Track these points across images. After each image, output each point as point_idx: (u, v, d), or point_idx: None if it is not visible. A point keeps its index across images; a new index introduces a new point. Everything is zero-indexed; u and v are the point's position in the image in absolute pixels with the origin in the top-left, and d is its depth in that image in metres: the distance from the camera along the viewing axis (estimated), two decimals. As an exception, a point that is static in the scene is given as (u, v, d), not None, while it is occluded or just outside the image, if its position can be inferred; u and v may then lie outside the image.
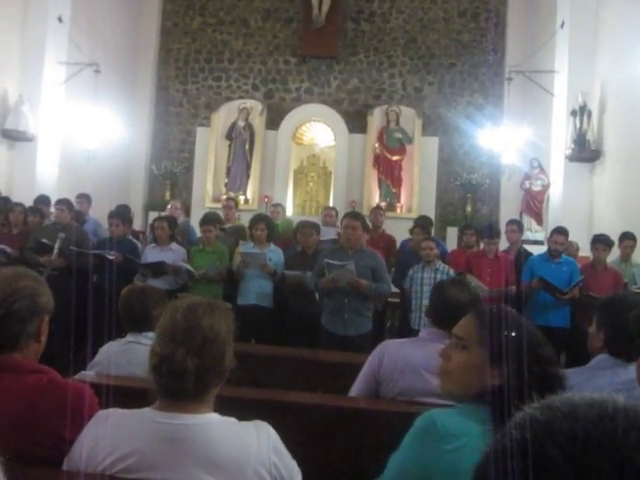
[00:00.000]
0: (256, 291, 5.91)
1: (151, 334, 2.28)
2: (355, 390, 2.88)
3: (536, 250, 7.07)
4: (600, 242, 6.08)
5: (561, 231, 6.19)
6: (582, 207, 8.51)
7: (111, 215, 6.71)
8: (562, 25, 8.98)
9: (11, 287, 1.72)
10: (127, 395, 1.89)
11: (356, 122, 11.72)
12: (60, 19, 9.42)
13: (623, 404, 0.65)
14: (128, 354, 2.85)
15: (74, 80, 9.65)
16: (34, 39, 9.22)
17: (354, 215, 5.35)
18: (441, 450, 1.48)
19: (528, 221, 9.41)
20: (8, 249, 6.16)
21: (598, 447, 0.61)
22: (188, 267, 6.08)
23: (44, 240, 6.22)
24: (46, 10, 9.26)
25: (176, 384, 1.54)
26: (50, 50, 9.35)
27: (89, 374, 2.73)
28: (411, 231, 7.02)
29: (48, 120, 9.31)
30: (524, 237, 7.96)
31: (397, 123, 11.44)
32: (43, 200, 7.52)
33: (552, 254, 6.07)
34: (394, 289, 6.08)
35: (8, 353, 1.71)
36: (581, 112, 8.38)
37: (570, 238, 6.50)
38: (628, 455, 0.60)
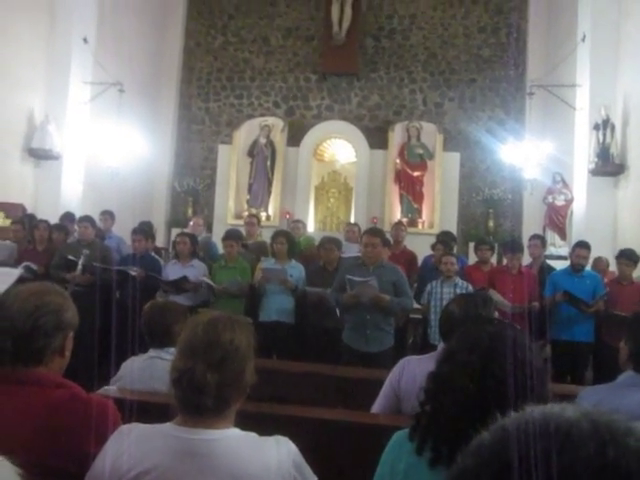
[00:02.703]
0: (277, 307, 5.93)
1: (173, 349, 2.30)
2: (376, 407, 2.86)
3: (560, 265, 6.99)
4: (625, 257, 6.01)
5: (584, 245, 6.13)
6: (606, 221, 8.41)
7: (134, 231, 6.79)
8: (583, 39, 8.93)
9: (37, 302, 1.75)
10: (149, 410, 1.91)
11: (377, 138, 11.74)
12: (85, 40, 9.62)
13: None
14: (150, 369, 2.87)
15: (99, 99, 9.83)
16: (60, 59, 9.42)
17: (373, 231, 5.34)
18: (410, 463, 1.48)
19: (551, 236, 9.32)
20: (34, 266, 6.24)
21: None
22: (209, 282, 6.12)
23: (69, 256, 6.30)
24: (71, 31, 9.47)
25: (196, 399, 1.55)
26: (75, 70, 9.55)
27: (112, 389, 2.76)
28: (433, 247, 6.99)
29: (73, 138, 9.48)
30: (547, 252, 7.89)
31: (418, 139, 11.44)
32: (68, 217, 7.64)
33: (575, 268, 6.01)
34: (416, 305, 6.05)
35: (33, 367, 1.73)
36: (604, 126, 8.31)
37: (594, 253, 6.42)
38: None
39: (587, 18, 8.95)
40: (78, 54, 9.58)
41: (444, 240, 7.07)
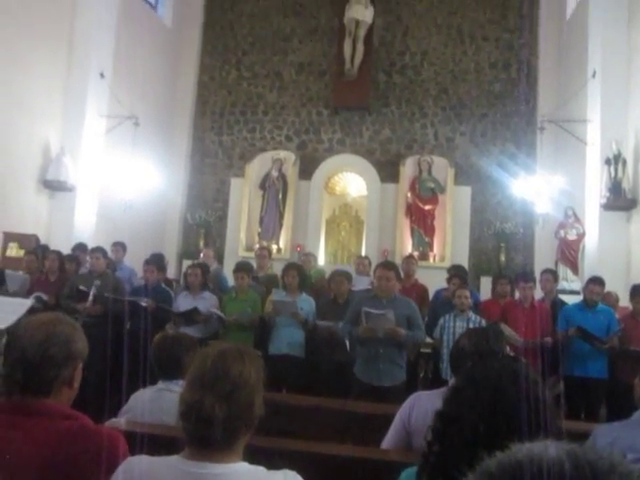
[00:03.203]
0: (288, 340, 5.90)
1: (182, 382, 2.29)
2: (387, 442, 2.83)
3: (572, 300, 6.92)
4: (640, 292, 5.95)
5: (597, 281, 6.07)
6: (619, 256, 8.35)
7: (146, 262, 6.82)
8: (594, 75, 9.00)
9: (47, 332, 1.76)
10: (157, 442, 1.89)
11: (388, 172, 11.81)
12: (102, 74, 9.82)
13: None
14: (159, 401, 2.85)
15: (114, 132, 9.98)
16: (77, 93, 9.61)
17: (387, 265, 5.33)
18: None
19: (564, 270, 9.24)
20: (44, 296, 6.27)
21: None
22: (219, 314, 6.12)
23: (81, 287, 6.33)
24: (89, 66, 9.68)
25: (204, 432, 1.53)
26: (92, 104, 9.73)
27: (120, 421, 2.74)
28: (448, 280, 6.95)
29: (88, 170, 9.61)
30: (560, 287, 7.82)
31: (429, 173, 11.50)
32: (80, 248, 7.70)
33: (588, 303, 5.95)
34: (427, 339, 6.00)
35: (41, 398, 1.72)
36: (615, 160, 8.31)
37: (607, 288, 6.35)
38: None
39: (597, 54, 9.03)
40: (94, 88, 9.78)
41: (460, 274, 7.03)
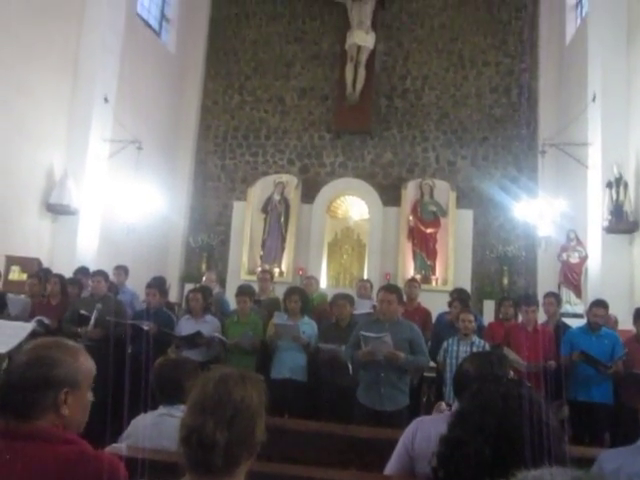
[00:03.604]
0: (290, 364, 5.87)
1: (183, 406, 2.27)
2: (389, 468, 2.79)
3: (576, 323, 6.89)
4: (644, 315, 5.92)
5: (601, 304, 6.04)
6: (622, 279, 8.33)
7: (149, 285, 6.81)
8: (594, 99, 9.06)
9: (31, 356, 1.74)
10: (158, 468, 1.87)
11: (390, 195, 11.84)
12: (106, 99, 9.91)
13: None
14: (160, 426, 2.83)
15: (117, 156, 10.04)
16: (81, 118, 9.69)
17: (390, 288, 5.32)
18: None
19: (567, 294, 9.22)
20: (46, 320, 6.25)
21: None
22: (221, 337, 6.09)
23: (82, 311, 6.32)
24: (93, 91, 9.77)
25: (205, 457, 1.51)
26: (95, 128, 9.80)
27: (120, 446, 2.71)
28: (450, 304, 6.93)
29: (91, 194, 9.65)
30: (563, 310, 7.79)
31: (431, 196, 11.51)
32: (82, 271, 7.69)
33: (592, 327, 5.91)
34: (430, 363, 5.96)
35: (27, 421, 1.70)
36: (617, 183, 8.34)
37: (610, 311, 6.32)
38: None
39: (597, 78, 9.10)
40: (98, 112, 9.86)
41: (461, 297, 7.01)
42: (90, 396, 1.83)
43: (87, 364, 1.83)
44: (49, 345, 1.80)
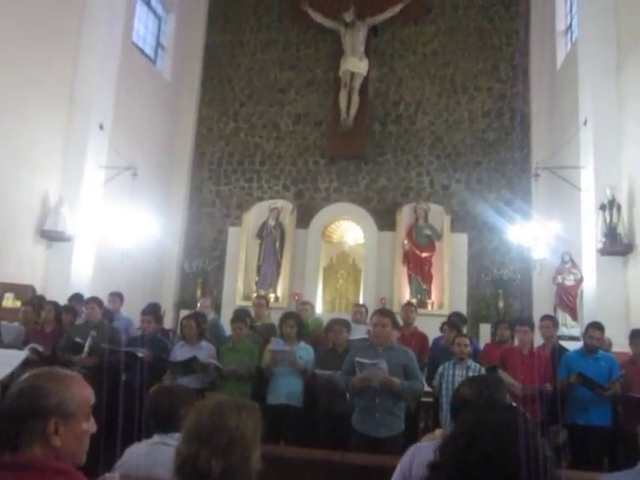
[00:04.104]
0: (286, 390, 5.83)
1: (178, 435, 2.24)
2: (387, 495, 2.76)
3: (573, 346, 6.87)
4: (639, 337, 5.91)
5: (597, 326, 6.04)
6: (617, 301, 8.34)
7: (144, 312, 6.79)
8: (585, 122, 9.15)
9: (23, 385, 1.72)
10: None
11: (385, 220, 11.87)
12: (101, 126, 9.97)
13: None
14: (154, 455, 2.79)
15: (112, 182, 10.06)
16: (76, 144, 9.73)
17: (383, 312, 5.31)
18: None
19: (563, 316, 9.21)
20: (39, 347, 6.20)
21: None
22: (217, 364, 6.05)
23: (77, 339, 6.28)
24: (89, 118, 9.83)
25: (200, 487, 1.50)
26: (91, 155, 9.84)
27: (114, 476, 2.67)
28: (441, 328, 6.93)
29: (85, 220, 9.64)
30: (560, 333, 7.77)
31: (426, 220, 11.55)
32: (77, 298, 7.66)
33: (589, 349, 5.90)
34: (427, 388, 5.93)
35: (22, 452, 1.68)
36: (610, 206, 8.38)
37: (606, 333, 6.31)
38: None
39: (588, 102, 9.19)
40: (94, 139, 9.90)
41: (451, 322, 7.03)
42: (91, 426, 1.78)
43: (82, 393, 1.78)
44: (43, 375, 1.77)
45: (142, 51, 12.22)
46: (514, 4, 12.72)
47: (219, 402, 1.64)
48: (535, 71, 12.23)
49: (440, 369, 5.79)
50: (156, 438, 2.90)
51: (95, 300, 6.83)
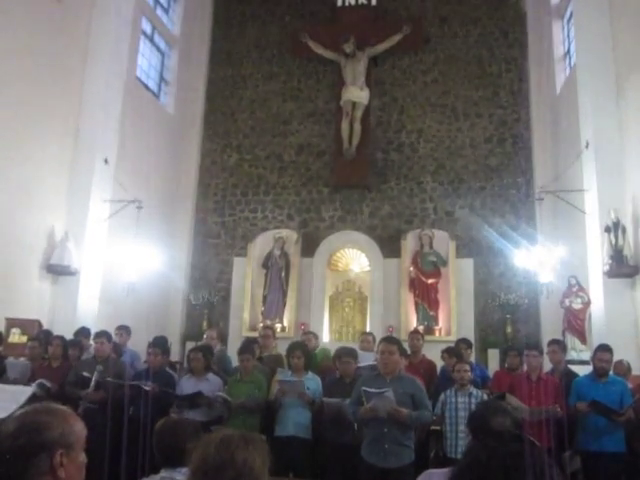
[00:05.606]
0: (294, 421, 5.76)
1: (185, 469, 2.22)
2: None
3: (583, 370, 6.78)
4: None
5: (606, 348, 5.95)
6: (626, 323, 8.27)
7: (150, 345, 6.76)
8: (587, 146, 9.18)
9: (19, 422, 1.71)
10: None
11: (390, 247, 11.86)
12: (106, 161, 10.05)
13: None
14: (161, 491, 2.75)
15: (117, 216, 10.11)
16: (81, 180, 9.81)
17: (390, 340, 5.27)
18: None
19: (571, 340, 9.12)
20: (47, 383, 6.17)
21: None
22: (225, 397, 5.99)
23: (84, 373, 6.24)
24: (93, 153, 9.92)
25: (207, 523, 1.48)
26: (96, 189, 9.91)
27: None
28: (441, 356, 6.89)
29: (91, 254, 9.67)
30: (569, 357, 7.69)
31: (431, 246, 11.53)
32: (83, 332, 7.64)
33: (598, 373, 5.81)
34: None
35: None
36: (615, 228, 8.37)
37: (617, 355, 6.21)
38: None
39: (589, 126, 9.24)
40: (99, 174, 9.98)
41: (450, 349, 6.96)
42: (83, 457, 1.79)
43: (78, 425, 1.80)
44: (37, 410, 1.77)
45: (146, 86, 12.38)
46: (512, 31, 12.89)
47: (226, 436, 1.63)
48: (535, 96, 12.33)
49: (442, 397, 5.72)
50: (163, 473, 2.87)
51: (104, 334, 6.81)
